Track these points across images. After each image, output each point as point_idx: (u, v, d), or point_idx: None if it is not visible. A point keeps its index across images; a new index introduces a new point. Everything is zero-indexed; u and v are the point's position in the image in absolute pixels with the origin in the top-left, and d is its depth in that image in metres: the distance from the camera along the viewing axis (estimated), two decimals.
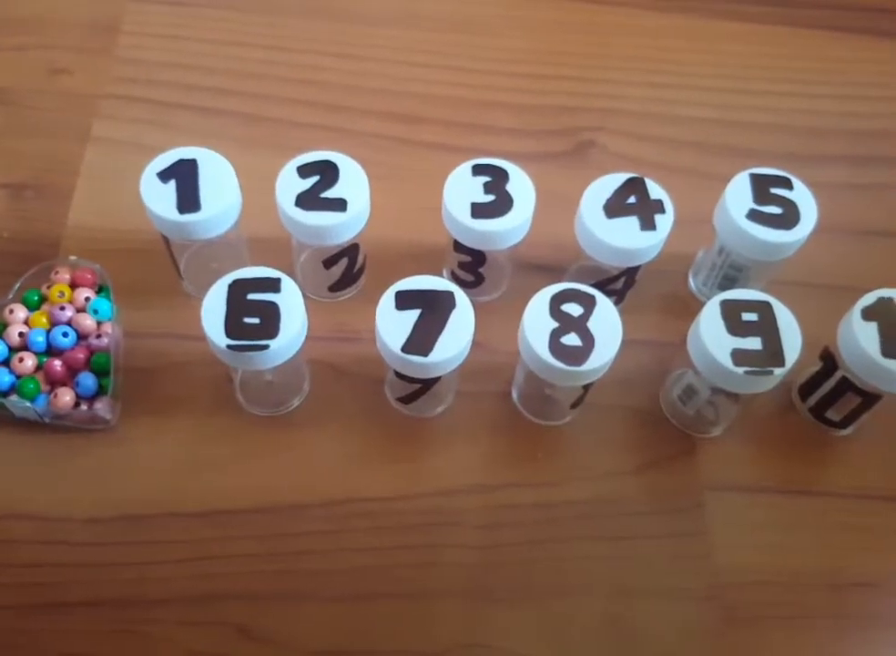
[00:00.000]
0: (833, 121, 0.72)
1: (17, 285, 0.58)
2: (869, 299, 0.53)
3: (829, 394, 0.57)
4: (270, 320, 0.50)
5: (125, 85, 0.70)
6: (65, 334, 0.56)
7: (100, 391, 0.56)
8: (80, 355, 0.56)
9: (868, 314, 0.53)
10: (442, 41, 0.75)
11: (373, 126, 0.70)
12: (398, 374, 0.53)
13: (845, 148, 0.71)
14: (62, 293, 0.57)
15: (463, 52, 0.74)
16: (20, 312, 0.57)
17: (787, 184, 0.57)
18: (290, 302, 0.51)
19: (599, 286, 0.54)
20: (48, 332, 0.56)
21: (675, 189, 0.57)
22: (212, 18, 0.74)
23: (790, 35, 0.77)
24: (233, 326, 0.50)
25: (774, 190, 0.57)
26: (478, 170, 0.56)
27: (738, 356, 0.50)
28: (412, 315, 0.51)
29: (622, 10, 0.77)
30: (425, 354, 0.50)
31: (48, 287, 0.58)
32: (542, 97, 0.72)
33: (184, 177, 0.54)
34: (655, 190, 0.56)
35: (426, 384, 0.55)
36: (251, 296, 0.51)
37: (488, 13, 0.77)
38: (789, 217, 0.56)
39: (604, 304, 0.52)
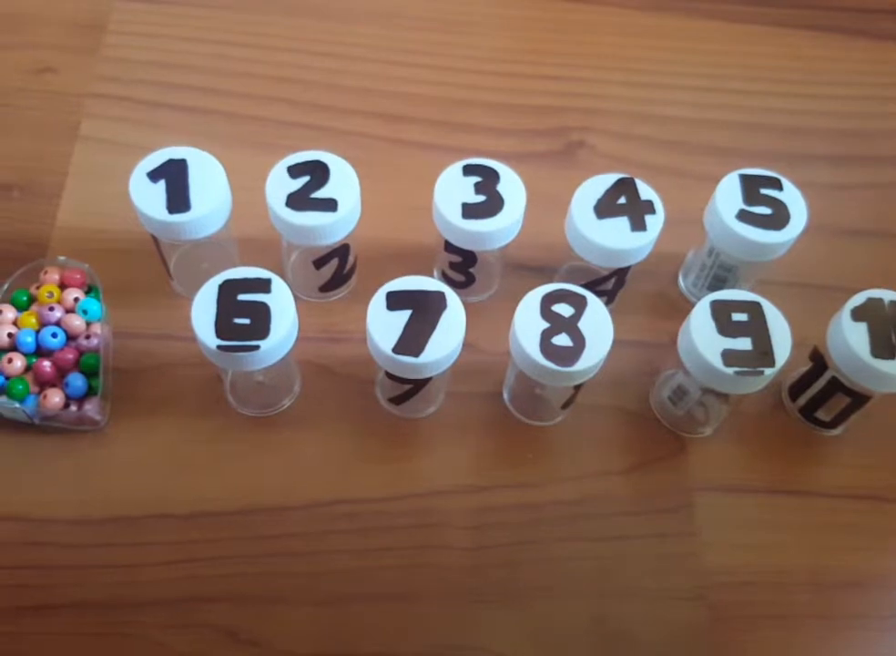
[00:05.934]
0: (815, 121, 0.73)
1: (6, 286, 0.57)
2: (858, 299, 0.53)
3: (819, 394, 0.57)
4: (261, 320, 0.50)
5: (111, 84, 0.70)
6: (54, 335, 0.56)
7: (90, 392, 0.55)
8: (69, 356, 0.55)
9: (857, 315, 0.53)
10: (429, 40, 0.74)
11: (363, 125, 0.69)
12: (389, 375, 0.53)
13: (827, 147, 0.71)
14: (51, 294, 0.57)
15: (451, 51, 0.74)
16: (9, 313, 0.56)
17: (776, 185, 0.57)
18: (281, 302, 0.51)
19: (590, 286, 0.54)
20: (37, 332, 0.56)
21: (665, 190, 0.57)
22: (199, 17, 0.74)
23: (771, 34, 0.77)
24: (223, 327, 0.49)
25: (764, 191, 0.57)
26: (469, 171, 0.56)
27: (728, 357, 0.51)
28: (403, 316, 0.51)
29: (608, 9, 0.77)
30: (416, 355, 0.50)
31: (37, 287, 0.58)
32: (531, 96, 0.72)
33: (174, 177, 0.54)
34: (645, 191, 0.56)
35: (417, 385, 0.55)
36: (242, 297, 0.50)
37: (474, 11, 0.77)
38: (778, 217, 0.56)
39: (595, 305, 0.52)
